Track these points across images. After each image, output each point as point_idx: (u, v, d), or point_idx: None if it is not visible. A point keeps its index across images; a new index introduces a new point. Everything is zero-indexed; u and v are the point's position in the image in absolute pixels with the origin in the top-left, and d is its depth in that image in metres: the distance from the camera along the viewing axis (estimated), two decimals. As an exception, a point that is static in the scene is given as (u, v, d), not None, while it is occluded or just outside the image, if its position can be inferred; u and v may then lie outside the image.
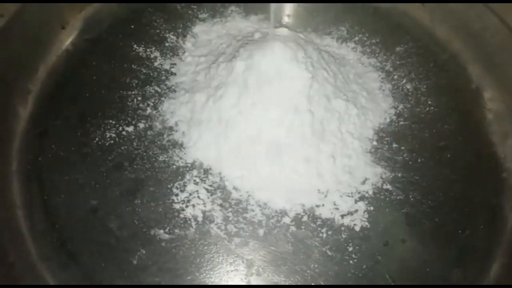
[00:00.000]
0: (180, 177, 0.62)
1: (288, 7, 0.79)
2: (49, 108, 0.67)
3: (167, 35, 0.75)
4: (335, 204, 0.61)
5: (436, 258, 0.59)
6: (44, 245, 0.58)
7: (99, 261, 0.57)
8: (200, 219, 0.59)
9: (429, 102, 0.70)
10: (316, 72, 0.63)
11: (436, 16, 0.77)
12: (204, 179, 0.62)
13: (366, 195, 0.62)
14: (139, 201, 0.60)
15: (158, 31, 0.75)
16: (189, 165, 0.63)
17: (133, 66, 0.71)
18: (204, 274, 0.57)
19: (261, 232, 0.59)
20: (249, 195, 0.61)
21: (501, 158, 0.66)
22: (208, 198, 0.61)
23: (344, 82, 0.67)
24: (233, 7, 0.78)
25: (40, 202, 0.60)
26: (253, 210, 0.60)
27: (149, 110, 0.67)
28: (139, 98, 0.68)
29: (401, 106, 0.69)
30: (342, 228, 0.60)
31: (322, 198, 0.61)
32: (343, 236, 0.59)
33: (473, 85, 0.72)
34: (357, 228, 0.60)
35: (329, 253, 0.58)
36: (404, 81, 0.72)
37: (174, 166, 0.63)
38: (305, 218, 0.60)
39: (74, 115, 0.66)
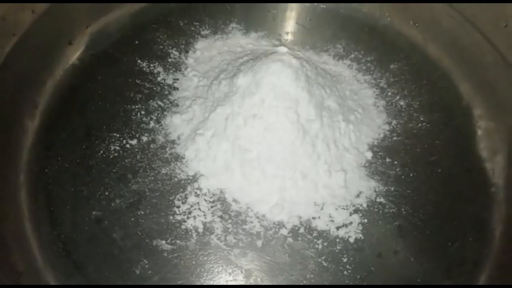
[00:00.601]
0: (181, 189, 0.64)
1: (288, 25, 0.82)
2: (55, 121, 0.69)
3: (170, 50, 0.77)
4: (330, 217, 0.63)
5: (427, 269, 0.61)
6: (51, 255, 0.59)
7: (103, 271, 0.58)
8: (200, 230, 0.61)
9: (421, 118, 0.72)
10: (314, 89, 0.65)
11: (428, 35, 0.80)
12: (204, 191, 0.64)
13: (361, 208, 0.64)
14: (142, 213, 0.62)
15: (161, 46, 0.77)
16: (190, 177, 0.64)
17: (137, 80, 0.73)
18: (204, 284, 0.58)
19: (259, 243, 0.61)
20: (248, 207, 0.63)
21: (489, 174, 0.69)
22: (209, 210, 0.62)
23: (341, 98, 0.70)
24: (234, 24, 0.81)
25: (46, 213, 0.62)
26: (251, 222, 0.62)
27: (152, 124, 0.69)
28: (143, 112, 0.70)
29: (394, 122, 0.72)
30: (337, 240, 0.61)
31: (318, 210, 0.63)
32: (338, 248, 0.61)
33: (463, 102, 0.75)
34: (351, 240, 0.61)
35: (325, 264, 0.60)
36: (398, 97, 0.74)
37: (176, 179, 0.64)
38: (301, 230, 0.62)
39: (79, 128, 0.68)
